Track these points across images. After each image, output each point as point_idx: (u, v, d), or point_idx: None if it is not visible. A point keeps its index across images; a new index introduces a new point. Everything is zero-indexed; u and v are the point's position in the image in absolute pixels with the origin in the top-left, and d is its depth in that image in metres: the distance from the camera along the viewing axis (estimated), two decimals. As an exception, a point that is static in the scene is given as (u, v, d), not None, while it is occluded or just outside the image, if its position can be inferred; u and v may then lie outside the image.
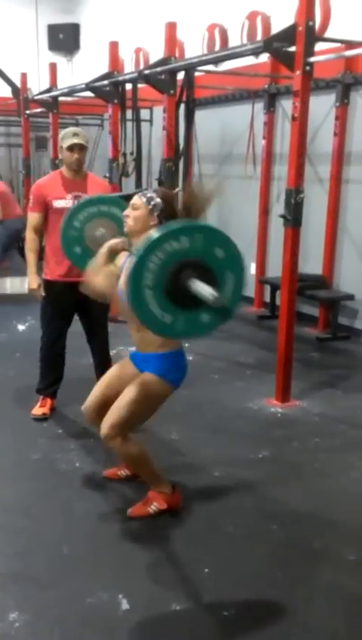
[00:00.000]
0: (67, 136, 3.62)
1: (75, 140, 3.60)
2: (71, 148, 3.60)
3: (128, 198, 3.81)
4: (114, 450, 2.74)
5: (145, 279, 2.11)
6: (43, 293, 3.71)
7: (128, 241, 2.74)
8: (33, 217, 3.71)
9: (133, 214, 2.60)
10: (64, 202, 3.64)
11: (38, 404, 3.90)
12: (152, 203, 2.56)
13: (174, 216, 2.53)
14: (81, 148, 3.63)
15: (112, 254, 2.76)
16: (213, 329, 2.28)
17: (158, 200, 2.57)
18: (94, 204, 3.22)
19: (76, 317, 3.87)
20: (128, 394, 2.63)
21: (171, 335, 2.32)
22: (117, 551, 2.59)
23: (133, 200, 2.62)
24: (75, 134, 3.63)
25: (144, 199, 2.58)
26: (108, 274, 2.69)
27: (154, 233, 2.17)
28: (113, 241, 2.78)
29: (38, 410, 3.86)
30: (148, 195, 2.59)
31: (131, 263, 2.17)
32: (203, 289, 2.11)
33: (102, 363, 3.97)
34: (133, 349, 2.84)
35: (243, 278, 2.30)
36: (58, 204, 3.64)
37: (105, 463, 3.28)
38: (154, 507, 2.78)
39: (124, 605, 2.26)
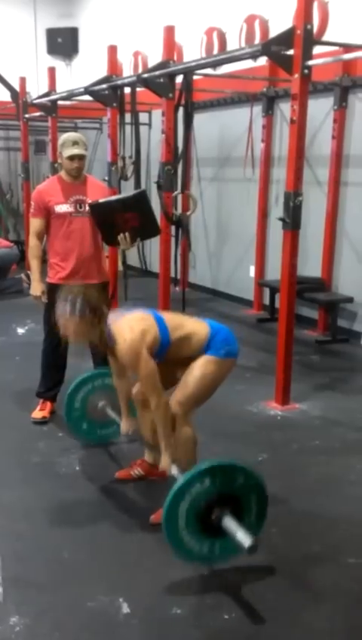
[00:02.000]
0: (67, 145, 3.61)
1: (75, 151, 3.60)
2: (71, 158, 3.61)
3: (128, 201, 3.85)
4: (176, 428, 2.76)
5: (179, 521, 2.26)
6: (45, 300, 3.72)
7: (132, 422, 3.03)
8: (36, 223, 3.72)
9: (69, 333, 2.65)
10: (66, 207, 3.65)
11: (38, 407, 3.90)
12: (76, 309, 2.59)
13: (100, 305, 2.64)
14: (81, 157, 3.64)
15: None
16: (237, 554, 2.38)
17: (79, 303, 2.59)
18: (88, 382, 3.35)
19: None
20: (193, 374, 2.70)
21: (209, 560, 2.43)
22: (117, 555, 2.59)
23: (58, 321, 2.65)
24: (75, 143, 3.61)
25: (67, 314, 2.60)
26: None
27: (179, 480, 2.30)
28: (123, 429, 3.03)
29: (38, 414, 3.87)
30: (68, 306, 2.60)
31: (163, 511, 2.28)
32: (237, 534, 2.25)
33: (105, 363, 3.98)
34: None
35: (265, 500, 2.41)
36: (60, 209, 3.65)
37: (105, 467, 3.29)
38: None
39: (125, 609, 2.26)
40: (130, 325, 2.60)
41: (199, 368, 2.71)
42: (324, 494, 3.09)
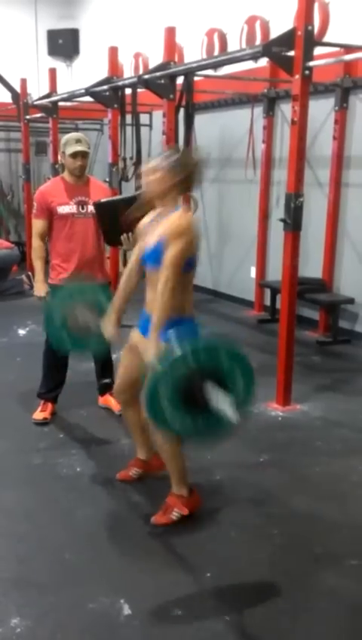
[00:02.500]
0: (70, 143, 3.62)
1: (79, 148, 3.60)
2: (74, 155, 3.61)
3: (132, 200, 3.86)
4: (157, 437, 2.72)
5: (161, 393, 2.19)
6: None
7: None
8: (38, 224, 3.72)
9: (147, 179, 2.61)
10: (68, 208, 3.65)
11: (39, 408, 3.90)
12: (173, 163, 2.57)
13: (191, 183, 2.63)
14: (84, 155, 3.64)
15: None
16: (228, 432, 2.32)
17: (179, 162, 2.59)
18: (67, 296, 3.22)
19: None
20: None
21: (190, 436, 2.38)
22: (118, 556, 2.59)
23: (148, 165, 2.65)
24: (78, 141, 3.62)
25: (163, 162, 2.60)
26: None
27: (166, 354, 2.24)
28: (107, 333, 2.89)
29: (39, 415, 3.86)
30: (169, 158, 2.60)
31: (147, 380, 2.24)
32: (223, 406, 2.18)
33: (104, 367, 3.98)
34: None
35: (253, 382, 2.33)
36: (62, 209, 3.65)
37: (106, 468, 3.28)
38: (175, 514, 2.76)
39: (126, 610, 2.26)
40: (193, 220, 2.59)
41: None
42: (326, 496, 3.08)
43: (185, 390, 2.20)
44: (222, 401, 2.18)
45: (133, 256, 2.85)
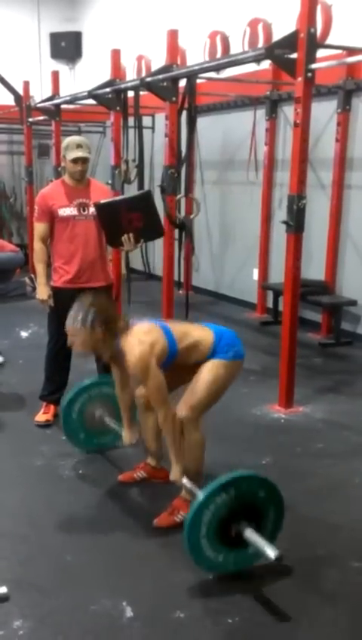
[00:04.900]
0: (71, 148, 3.62)
1: (79, 154, 3.61)
2: (75, 161, 3.62)
3: (134, 200, 3.87)
4: (186, 434, 2.75)
5: (201, 531, 2.32)
6: (52, 304, 3.72)
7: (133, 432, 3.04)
8: (40, 228, 3.73)
9: (76, 342, 2.66)
10: (69, 210, 3.66)
11: (42, 410, 3.90)
12: (88, 321, 2.60)
13: (113, 319, 2.64)
14: (84, 161, 3.65)
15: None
16: (258, 560, 2.45)
17: (91, 315, 2.60)
18: (84, 392, 3.35)
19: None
20: (203, 377, 2.70)
21: (222, 570, 2.46)
22: (120, 558, 2.59)
23: (68, 329, 2.67)
24: (79, 146, 3.63)
25: (78, 324, 2.61)
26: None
27: (203, 493, 2.35)
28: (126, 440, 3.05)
29: (41, 417, 3.87)
30: (80, 316, 2.61)
31: (187, 518, 2.36)
32: (260, 543, 2.32)
33: (106, 369, 3.98)
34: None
35: (283, 510, 2.50)
36: (63, 212, 3.66)
37: (108, 470, 3.28)
38: (180, 516, 2.75)
39: (128, 613, 2.26)
40: (138, 339, 2.59)
41: (209, 372, 2.71)
42: (328, 498, 3.08)
43: (223, 525, 2.35)
44: (260, 541, 2.33)
45: (114, 371, 2.95)
